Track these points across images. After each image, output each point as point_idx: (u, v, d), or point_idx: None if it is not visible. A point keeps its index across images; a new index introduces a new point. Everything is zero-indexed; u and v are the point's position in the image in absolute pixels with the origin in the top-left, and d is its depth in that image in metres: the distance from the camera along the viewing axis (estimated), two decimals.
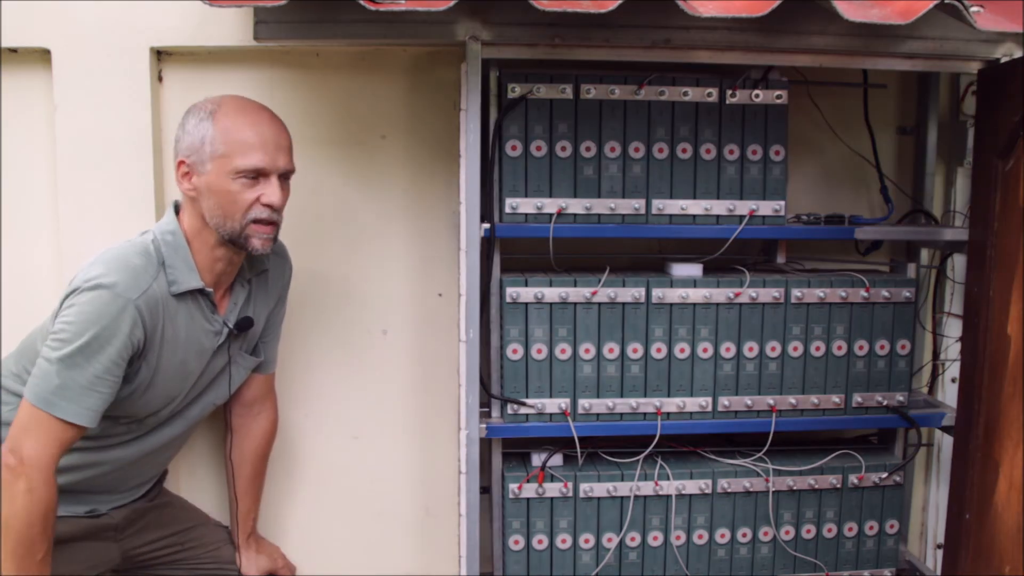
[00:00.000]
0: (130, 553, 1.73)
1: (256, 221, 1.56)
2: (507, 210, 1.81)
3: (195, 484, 2.04)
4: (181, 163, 1.57)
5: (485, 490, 1.97)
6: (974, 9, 1.51)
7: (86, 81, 1.87)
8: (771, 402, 1.89)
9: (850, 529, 1.97)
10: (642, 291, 1.83)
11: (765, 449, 1.90)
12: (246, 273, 1.70)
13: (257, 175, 1.54)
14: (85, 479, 1.60)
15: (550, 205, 1.81)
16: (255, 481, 1.92)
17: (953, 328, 2.11)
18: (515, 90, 1.77)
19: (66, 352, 1.44)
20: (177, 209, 1.63)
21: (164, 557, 1.79)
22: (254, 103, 1.60)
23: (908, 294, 1.91)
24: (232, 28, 1.87)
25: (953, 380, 2.08)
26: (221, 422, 1.92)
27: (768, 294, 1.86)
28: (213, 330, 1.64)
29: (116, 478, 1.66)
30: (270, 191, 1.55)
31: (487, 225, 1.78)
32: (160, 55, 1.92)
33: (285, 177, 1.60)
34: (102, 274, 1.47)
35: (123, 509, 1.70)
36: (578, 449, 1.87)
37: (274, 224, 1.59)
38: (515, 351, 1.82)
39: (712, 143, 1.84)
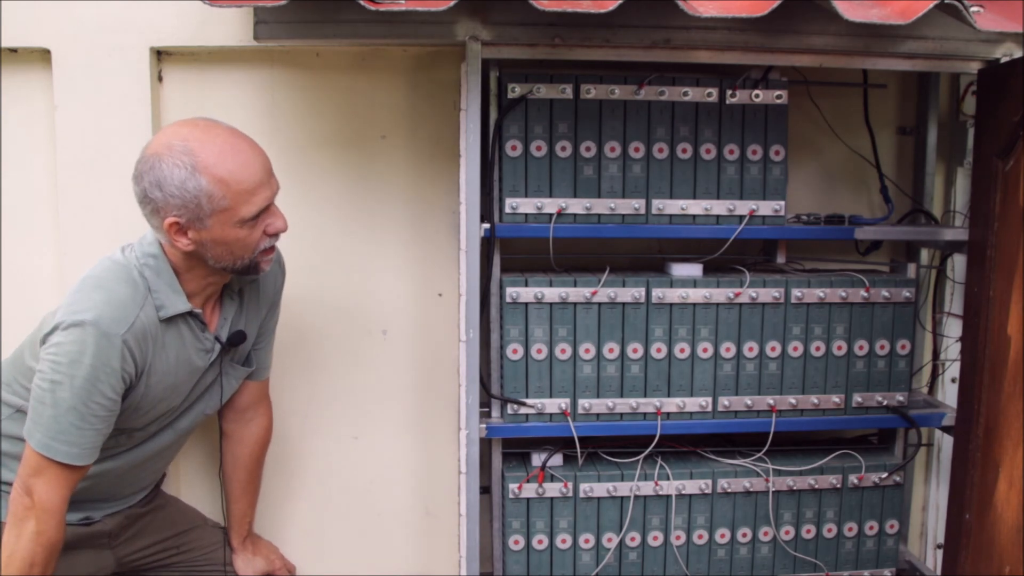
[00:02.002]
0: (125, 559, 1.72)
1: (265, 249, 1.54)
2: (507, 210, 1.81)
3: (193, 485, 2.04)
4: (173, 223, 1.45)
5: (485, 490, 1.97)
6: (974, 9, 1.51)
7: (86, 81, 1.87)
8: (771, 402, 1.89)
9: (850, 529, 1.97)
10: (642, 291, 1.83)
11: (765, 449, 1.90)
12: (235, 285, 1.66)
13: (261, 213, 1.50)
14: (77, 490, 1.59)
15: (550, 205, 1.81)
16: (250, 486, 1.90)
17: (953, 328, 2.11)
18: (515, 90, 1.77)
19: (59, 396, 1.42)
20: None
21: (160, 561, 1.78)
22: (224, 133, 1.48)
23: (908, 294, 1.91)
24: (232, 28, 1.87)
25: (953, 380, 2.08)
26: (216, 428, 1.91)
27: (768, 294, 1.86)
28: (204, 348, 1.61)
29: (108, 488, 1.65)
30: (275, 220, 1.52)
31: (487, 225, 1.78)
32: (160, 55, 1.93)
33: None
34: (86, 309, 1.42)
35: (117, 516, 1.69)
36: (578, 449, 1.87)
37: (274, 244, 1.57)
38: (515, 351, 1.82)
39: (712, 143, 1.84)
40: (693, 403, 1.87)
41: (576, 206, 1.82)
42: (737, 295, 1.85)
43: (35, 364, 1.49)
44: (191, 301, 1.56)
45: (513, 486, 1.86)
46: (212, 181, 1.43)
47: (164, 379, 1.55)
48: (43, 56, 1.88)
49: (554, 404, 1.84)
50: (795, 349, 1.89)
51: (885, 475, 1.96)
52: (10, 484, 1.55)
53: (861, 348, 1.90)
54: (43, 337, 1.46)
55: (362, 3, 1.44)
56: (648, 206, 1.84)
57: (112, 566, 1.70)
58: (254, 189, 1.47)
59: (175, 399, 1.61)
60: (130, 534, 1.73)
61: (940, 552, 2.15)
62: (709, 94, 1.83)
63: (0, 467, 1.58)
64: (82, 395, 1.42)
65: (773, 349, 1.88)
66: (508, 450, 1.95)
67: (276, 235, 1.55)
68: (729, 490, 1.91)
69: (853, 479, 1.95)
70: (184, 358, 1.58)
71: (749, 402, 1.89)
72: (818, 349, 1.89)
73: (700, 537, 1.93)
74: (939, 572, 2.08)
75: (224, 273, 1.56)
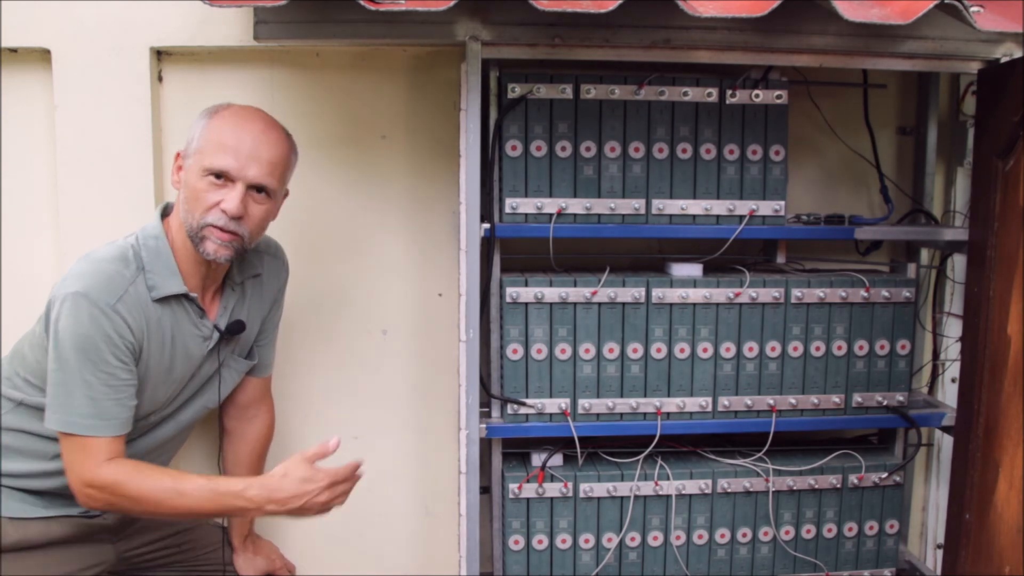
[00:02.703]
0: (126, 555, 1.72)
1: (213, 225, 1.51)
2: (507, 210, 1.81)
3: None
4: (177, 155, 1.58)
5: (485, 490, 1.97)
6: (974, 9, 1.51)
7: (86, 81, 1.87)
8: (771, 402, 1.89)
9: (850, 529, 1.97)
10: (642, 291, 1.83)
11: (765, 449, 1.90)
12: (236, 277, 1.68)
13: (224, 179, 1.51)
14: None
15: (550, 205, 1.81)
16: None
17: (953, 328, 2.11)
18: (515, 90, 1.77)
19: (66, 375, 1.44)
20: (165, 213, 1.61)
21: (161, 559, 1.78)
22: (258, 115, 1.57)
23: (908, 294, 1.91)
24: (232, 28, 1.87)
25: (953, 380, 2.08)
26: (217, 426, 1.91)
27: (768, 294, 1.86)
28: (202, 335, 1.62)
29: None
30: (230, 198, 1.50)
31: (487, 225, 1.78)
32: (160, 55, 1.93)
33: (262, 191, 1.55)
34: (74, 284, 1.46)
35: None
36: (578, 449, 1.87)
37: (233, 234, 1.52)
38: (515, 351, 1.82)
39: (712, 143, 1.84)
40: (693, 403, 1.87)
41: (576, 206, 1.82)
42: (737, 295, 1.85)
43: (32, 354, 1.53)
44: (188, 285, 1.57)
45: (513, 486, 1.86)
46: (207, 126, 1.54)
47: (160, 362, 1.56)
48: (43, 56, 1.88)
49: (554, 404, 1.84)
50: (795, 349, 1.89)
51: (885, 475, 1.96)
52: (11, 476, 1.56)
53: (861, 348, 1.90)
54: (43, 319, 1.49)
55: (362, 3, 1.44)
56: (648, 206, 1.84)
57: (113, 561, 1.70)
58: (226, 147, 1.51)
59: (173, 386, 1.62)
60: (132, 530, 1.73)
61: (940, 552, 2.15)
62: (709, 94, 1.83)
63: (0, 461, 1.59)
64: (88, 366, 1.44)
65: (773, 349, 1.88)
66: (508, 450, 1.95)
67: (227, 216, 1.51)
68: (729, 490, 1.91)
69: (853, 479, 1.95)
70: (180, 343, 1.59)
71: (749, 402, 1.89)
72: (818, 349, 1.89)
73: (700, 537, 1.93)
74: (939, 572, 2.08)
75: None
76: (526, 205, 1.81)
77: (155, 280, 1.53)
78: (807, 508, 1.95)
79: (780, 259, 2.01)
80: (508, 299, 1.80)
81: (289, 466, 1.52)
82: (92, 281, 1.47)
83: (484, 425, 1.82)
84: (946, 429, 1.99)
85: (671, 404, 1.87)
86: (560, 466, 1.90)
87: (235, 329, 1.67)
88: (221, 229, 1.51)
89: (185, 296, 1.57)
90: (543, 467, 1.88)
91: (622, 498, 1.89)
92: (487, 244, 1.80)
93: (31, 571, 1.57)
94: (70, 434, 1.46)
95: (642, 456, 1.89)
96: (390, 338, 2.08)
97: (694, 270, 1.90)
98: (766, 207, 1.87)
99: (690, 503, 1.91)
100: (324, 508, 1.53)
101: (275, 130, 1.58)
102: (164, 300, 1.54)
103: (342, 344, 2.06)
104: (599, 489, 1.88)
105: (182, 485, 1.50)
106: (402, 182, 2.03)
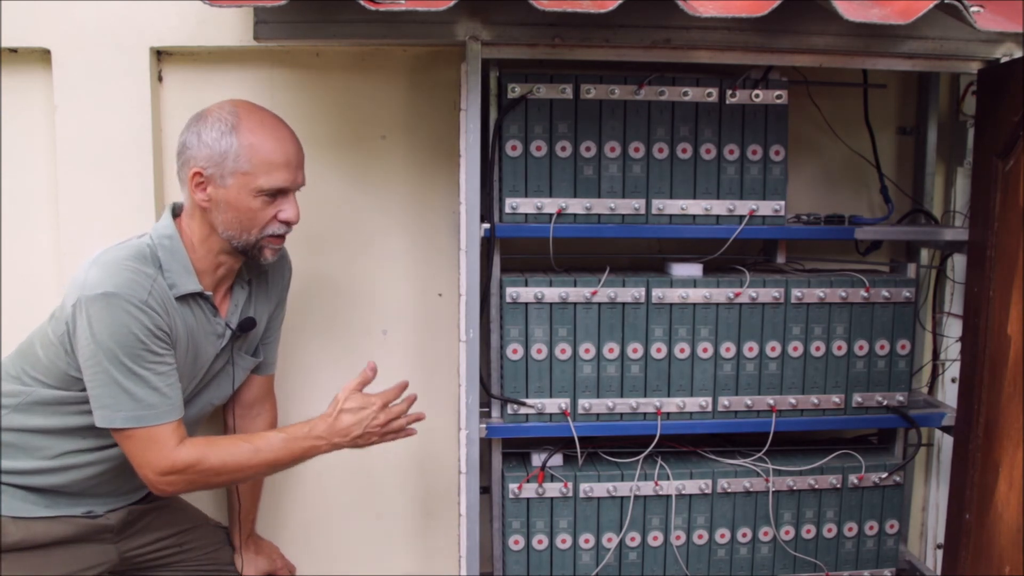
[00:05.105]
0: (128, 555, 1.72)
1: (272, 236, 1.58)
2: (507, 210, 1.81)
3: None
4: (197, 173, 1.53)
5: (485, 490, 1.97)
6: (974, 9, 1.51)
7: (86, 81, 1.87)
8: (771, 402, 1.89)
9: (850, 529, 1.97)
10: (642, 291, 1.83)
11: (765, 449, 1.90)
12: (245, 274, 1.70)
13: (278, 193, 1.56)
14: (82, 479, 1.60)
15: (550, 205, 1.81)
16: (254, 484, 1.92)
17: (953, 328, 2.11)
18: (515, 90, 1.77)
19: (118, 375, 1.46)
20: (175, 212, 1.62)
21: (162, 559, 1.79)
22: (271, 116, 1.58)
23: (908, 294, 1.91)
24: (232, 28, 1.87)
25: (953, 380, 2.08)
26: (221, 423, 1.92)
27: (768, 294, 1.86)
28: (216, 333, 1.64)
29: (112, 479, 1.65)
30: (289, 208, 1.57)
31: (487, 225, 1.78)
32: (160, 55, 1.93)
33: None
34: (99, 285, 1.46)
35: (120, 511, 1.70)
36: (578, 449, 1.87)
37: (285, 235, 1.61)
38: (515, 351, 1.82)
39: (712, 143, 1.84)
40: (693, 403, 1.87)
41: (576, 206, 1.82)
42: (737, 295, 1.85)
43: (45, 354, 1.54)
44: (202, 283, 1.59)
45: (513, 486, 1.87)
46: (242, 144, 1.51)
47: (183, 357, 1.58)
48: (43, 56, 1.88)
49: (554, 404, 1.85)
50: (795, 349, 1.89)
51: (885, 475, 1.96)
52: (11, 473, 1.57)
53: (861, 348, 1.90)
54: (67, 322, 1.49)
55: (362, 3, 1.44)
56: (648, 206, 1.84)
57: (115, 560, 1.70)
58: (277, 165, 1.53)
59: (185, 382, 1.62)
60: (134, 530, 1.73)
61: (940, 552, 2.15)
62: (709, 94, 1.83)
63: (0, 458, 1.59)
64: (139, 361, 1.47)
65: (773, 349, 1.88)
66: (508, 450, 1.95)
67: (287, 224, 1.59)
68: (729, 490, 1.91)
69: (853, 479, 1.95)
70: (195, 341, 1.60)
71: (749, 402, 1.89)
72: (818, 349, 1.89)
73: (700, 537, 1.93)
74: (939, 572, 2.08)
75: (234, 254, 1.60)
76: (526, 205, 1.81)
77: (173, 279, 1.55)
78: (807, 508, 1.95)
79: (780, 259, 2.02)
80: (508, 299, 1.80)
81: (340, 399, 1.61)
82: (119, 280, 1.47)
83: (484, 425, 1.82)
84: (946, 429, 1.99)
85: (671, 404, 1.87)
86: (560, 466, 1.90)
87: (247, 326, 1.69)
88: (279, 237, 1.59)
89: (200, 295, 1.59)
90: (543, 467, 1.88)
91: (622, 498, 1.89)
92: (487, 244, 1.80)
93: (33, 571, 1.57)
94: (136, 428, 1.49)
95: (642, 456, 1.89)
96: (390, 338, 2.08)
97: (694, 270, 1.90)
98: (766, 207, 1.87)
99: (690, 503, 1.91)
100: (384, 433, 1.63)
101: (289, 127, 1.61)
102: (182, 298, 1.57)
103: (342, 344, 2.06)
104: (599, 489, 1.88)
105: (256, 443, 1.57)
106: (402, 182, 2.03)
